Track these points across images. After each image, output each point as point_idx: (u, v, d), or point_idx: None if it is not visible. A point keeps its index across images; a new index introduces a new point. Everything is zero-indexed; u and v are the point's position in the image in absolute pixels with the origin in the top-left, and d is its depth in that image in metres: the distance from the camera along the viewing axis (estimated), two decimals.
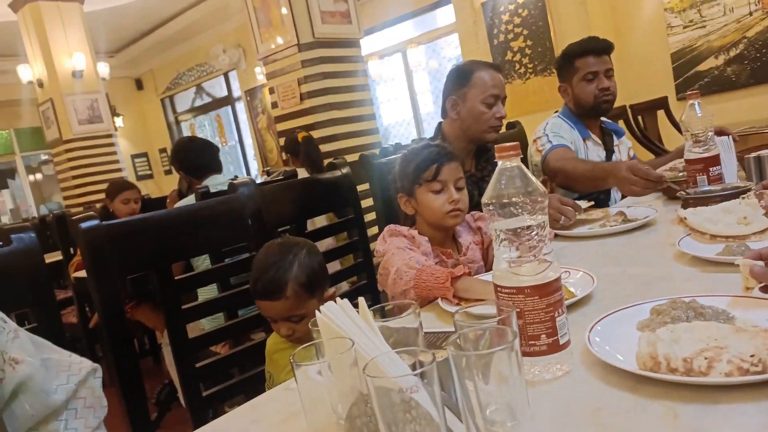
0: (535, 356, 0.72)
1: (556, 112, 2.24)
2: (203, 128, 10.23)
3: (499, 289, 0.73)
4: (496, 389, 0.59)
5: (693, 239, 1.17)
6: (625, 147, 2.32)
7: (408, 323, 0.72)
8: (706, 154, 1.55)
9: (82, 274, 2.72)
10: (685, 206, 1.35)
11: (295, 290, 1.19)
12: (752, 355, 0.62)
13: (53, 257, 3.41)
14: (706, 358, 0.63)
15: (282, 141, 4.19)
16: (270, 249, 1.26)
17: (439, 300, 1.11)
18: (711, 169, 1.55)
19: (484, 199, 0.72)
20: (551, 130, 2.11)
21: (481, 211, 1.08)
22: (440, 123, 1.89)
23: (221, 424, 0.81)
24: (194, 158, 2.81)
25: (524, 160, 1.77)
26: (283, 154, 4.00)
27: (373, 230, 1.91)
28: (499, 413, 0.60)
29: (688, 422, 0.58)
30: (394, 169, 1.46)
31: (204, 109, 10.10)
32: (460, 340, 0.60)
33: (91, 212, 1.70)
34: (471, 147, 1.83)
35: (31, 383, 0.77)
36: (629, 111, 4.02)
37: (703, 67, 4.66)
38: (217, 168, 2.85)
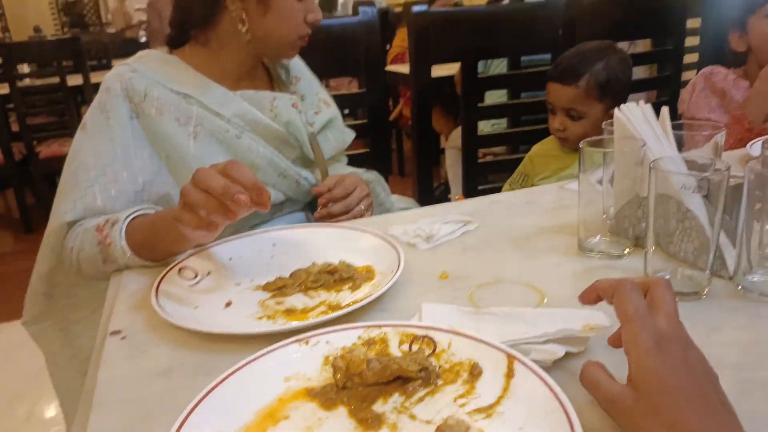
0: None
1: None
2: None
3: None
4: None
5: None
6: None
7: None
8: None
9: (392, 68, 3.04)
10: None
11: (589, 84, 1.20)
12: None
13: None
14: None
15: None
16: (584, 44, 1.27)
17: None
18: None
19: None
20: None
21: None
22: None
23: (498, 196, 0.93)
24: None
25: None
26: None
27: (688, 74, 1.71)
28: None
29: None
30: None
31: None
32: (763, 163, 0.57)
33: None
34: None
35: (336, 121, 1.03)
36: None
37: None
38: None
